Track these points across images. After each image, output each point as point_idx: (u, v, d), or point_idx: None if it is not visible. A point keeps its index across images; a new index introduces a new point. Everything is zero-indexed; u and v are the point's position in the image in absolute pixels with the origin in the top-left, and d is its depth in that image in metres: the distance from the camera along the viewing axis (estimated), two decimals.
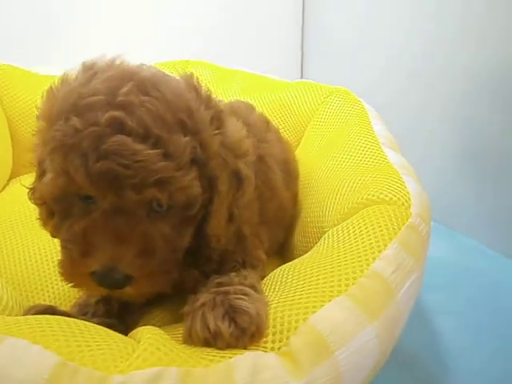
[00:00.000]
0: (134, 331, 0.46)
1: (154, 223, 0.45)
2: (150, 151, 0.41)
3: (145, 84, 0.44)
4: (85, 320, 0.46)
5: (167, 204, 0.44)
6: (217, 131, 0.48)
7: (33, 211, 0.85)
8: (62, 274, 0.46)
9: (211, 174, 0.47)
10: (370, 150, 0.73)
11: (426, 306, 0.86)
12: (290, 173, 0.80)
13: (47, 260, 0.75)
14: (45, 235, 0.78)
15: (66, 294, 0.68)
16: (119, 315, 0.55)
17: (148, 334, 0.43)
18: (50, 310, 0.50)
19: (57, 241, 0.75)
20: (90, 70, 0.47)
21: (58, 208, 0.47)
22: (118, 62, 0.48)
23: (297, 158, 0.90)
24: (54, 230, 0.49)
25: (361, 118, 0.84)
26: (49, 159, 0.44)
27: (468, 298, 0.88)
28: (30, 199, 0.54)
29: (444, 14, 1.12)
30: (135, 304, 0.60)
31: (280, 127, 0.96)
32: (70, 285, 0.47)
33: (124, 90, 0.43)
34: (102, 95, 0.42)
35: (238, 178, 0.50)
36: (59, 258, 0.47)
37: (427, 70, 1.19)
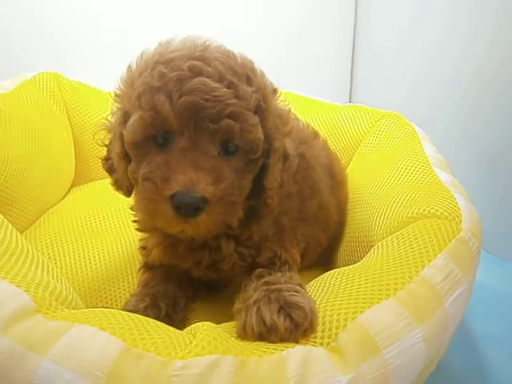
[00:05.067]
0: (188, 327, 0.49)
1: (223, 161, 0.51)
2: (226, 89, 0.49)
3: (216, 47, 0.55)
4: None
5: (238, 140, 0.51)
6: (274, 95, 0.57)
7: (91, 218, 0.93)
8: (141, 204, 0.52)
9: (268, 132, 0.54)
10: (420, 169, 0.74)
11: (473, 332, 0.84)
12: (335, 178, 0.82)
13: (105, 264, 0.80)
14: (103, 241, 0.85)
15: (122, 296, 0.73)
16: (166, 320, 0.58)
17: (204, 327, 0.46)
18: None
19: (114, 244, 0.83)
20: (166, 43, 0.56)
21: (136, 153, 0.54)
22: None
23: (346, 176, 0.91)
24: (132, 174, 0.55)
25: (411, 140, 0.86)
26: (136, 103, 0.51)
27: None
28: (103, 167, 0.63)
29: None
30: (182, 305, 0.65)
31: (331, 148, 0.99)
32: (146, 216, 0.54)
33: (200, 48, 0.53)
34: (182, 52, 0.52)
35: (284, 152, 0.57)
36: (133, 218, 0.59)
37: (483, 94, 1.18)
